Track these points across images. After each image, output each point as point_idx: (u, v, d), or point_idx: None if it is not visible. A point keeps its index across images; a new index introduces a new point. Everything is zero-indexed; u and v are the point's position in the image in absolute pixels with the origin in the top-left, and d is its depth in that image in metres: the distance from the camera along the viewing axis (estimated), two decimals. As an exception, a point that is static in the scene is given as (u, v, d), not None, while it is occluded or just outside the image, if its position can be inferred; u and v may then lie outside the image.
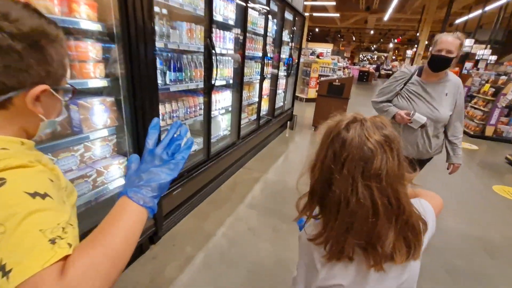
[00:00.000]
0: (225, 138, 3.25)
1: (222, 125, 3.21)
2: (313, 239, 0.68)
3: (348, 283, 0.65)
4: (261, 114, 4.34)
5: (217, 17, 2.54)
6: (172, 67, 2.18)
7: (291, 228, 2.47)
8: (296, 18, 5.01)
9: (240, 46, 2.95)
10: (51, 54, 0.50)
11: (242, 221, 2.54)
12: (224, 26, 2.78)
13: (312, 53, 16.91)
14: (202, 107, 2.58)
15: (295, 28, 5.01)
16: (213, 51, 2.30)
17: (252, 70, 3.69)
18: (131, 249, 0.46)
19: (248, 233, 2.39)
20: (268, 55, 4.15)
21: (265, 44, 3.53)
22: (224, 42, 2.78)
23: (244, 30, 2.88)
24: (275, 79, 4.36)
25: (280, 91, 5.14)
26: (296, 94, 9.62)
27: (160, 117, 2.11)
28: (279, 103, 5.20)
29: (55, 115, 0.57)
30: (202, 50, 2.34)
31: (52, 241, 0.37)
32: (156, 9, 1.92)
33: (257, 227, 2.48)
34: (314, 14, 17.36)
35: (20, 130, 0.52)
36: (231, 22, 2.82)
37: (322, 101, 5.63)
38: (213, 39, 2.36)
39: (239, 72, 3.02)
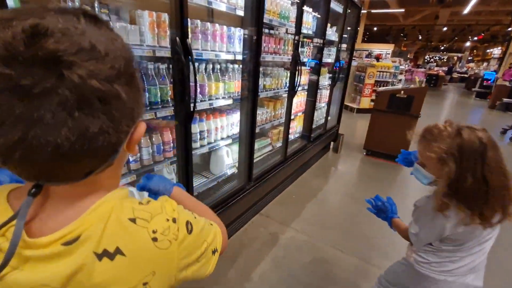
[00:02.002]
0: (231, 178, 2.30)
1: (228, 160, 2.27)
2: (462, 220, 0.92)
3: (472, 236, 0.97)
4: (292, 137, 3.29)
5: None
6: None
7: None
8: (348, 11, 3.82)
9: (252, 46, 1.96)
10: (139, 79, 0.40)
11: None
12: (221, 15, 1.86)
13: (369, 55, 14.96)
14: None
15: (345, 23, 3.83)
16: (189, 57, 1.36)
17: (278, 81, 2.68)
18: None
19: None
20: (307, 59, 3.09)
21: (297, 45, 2.49)
22: (218, 41, 1.84)
23: (258, 23, 1.88)
24: (314, 89, 3.25)
25: (322, 104, 4.00)
26: (346, 103, 8.23)
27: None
28: (319, 120, 4.06)
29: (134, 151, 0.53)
30: (166, 54, 1.42)
31: (210, 224, 0.56)
32: None
33: None
34: (373, 11, 15.34)
35: (114, 182, 0.47)
36: (237, 12, 1.86)
37: (380, 118, 4.29)
38: (188, 35, 1.42)
39: (249, 85, 2.05)
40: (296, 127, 3.44)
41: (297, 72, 2.48)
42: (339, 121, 4.52)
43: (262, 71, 2.59)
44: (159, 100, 1.50)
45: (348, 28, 4.04)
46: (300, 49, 2.97)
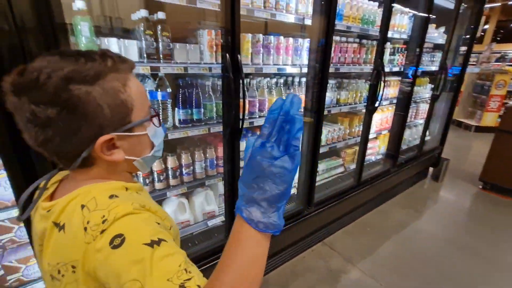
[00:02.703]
0: (289, 200, 2.13)
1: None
2: None
3: None
4: (373, 159, 2.83)
5: None
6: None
7: None
8: (464, 6, 3.04)
9: (318, 59, 1.75)
10: (93, 101, 0.46)
11: None
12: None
13: (501, 58, 11.71)
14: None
15: (458, 22, 3.06)
16: (237, 73, 1.30)
17: (357, 94, 2.35)
18: (258, 277, 0.42)
19: None
20: (398, 67, 2.61)
21: (381, 53, 2.11)
22: (282, 54, 1.72)
23: (327, 32, 1.65)
24: (405, 103, 2.70)
25: (419, 120, 3.30)
26: (459, 119, 6.64)
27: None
28: (413, 140, 3.35)
29: (147, 150, 0.58)
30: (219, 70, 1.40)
31: (182, 287, 0.39)
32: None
33: None
34: (511, 2, 11.96)
35: (124, 175, 0.58)
36: (305, 21, 1.70)
37: (509, 142, 3.19)
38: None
39: (314, 100, 1.84)
40: (379, 147, 2.94)
41: (379, 84, 2.10)
42: (443, 142, 3.62)
43: (336, 84, 2.33)
44: (215, 115, 1.52)
45: (464, 28, 3.20)
46: (389, 57, 2.54)
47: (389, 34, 2.41)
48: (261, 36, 1.57)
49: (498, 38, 18.61)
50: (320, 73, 1.71)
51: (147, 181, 1.42)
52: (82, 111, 0.46)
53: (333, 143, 2.36)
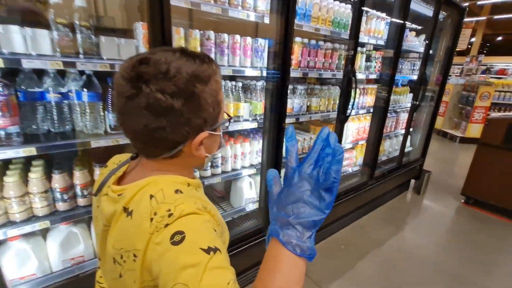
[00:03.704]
0: (250, 216, 1.93)
1: (249, 193, 1.91)
2: None
3: None
4: (350, 171, 2.66)
5: None
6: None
7: None
8: (443, 14, 2.96)
9: (277, 61, 1.58)
10: (206, 99, 0.51)
11: None
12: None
13: (487, 71, 11.94)
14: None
15: (437, 30, 2.98)
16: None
17: (330, 102, 2.19)
18: None
19: None
20: (375, 74, 2.48)
21: (352, 59, 1.95)
22: (239, 55, 1.54)
23: (287, 30, 1.48)
24: (381, 112, 2.55)
25: (399, 130, 3.17)
26: (445, 130, 6.61)
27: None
28: (393, 151, 3.22)
29: (216, 148, 0.61)
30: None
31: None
32: None
33: None
34: (496, 17, 12.27)
35: (191, 170, 0.62)
36: (265, 20, 1.54)
37: (490, 156, 3.09)
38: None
39: (273, 107, 1.66)
40: (356, 158, 2.78)
41: (351, 92, 1.94)
42: (425, 153, 3.50)
43: (307, 90, 2.17)
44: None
45: (447, 38, 3.11)
46: (365, 63, 2.41)
47: (365, 39, 2.29)
48: (212, 33, 1.40)
49: (485, 51, 19.13)
50: (280, 77, 1.54)
51: (66, 196, 1.21)
52: (198, 105, 0.50)
53: (304, 153, 2.19)
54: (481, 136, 3.21)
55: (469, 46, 14.52)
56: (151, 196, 0.48)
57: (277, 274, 0.41)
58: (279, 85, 1.55)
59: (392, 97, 2.98)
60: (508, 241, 2.68)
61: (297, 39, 1.83)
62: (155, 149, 0.53)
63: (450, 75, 11.70)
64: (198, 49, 1.37)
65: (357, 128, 2.64)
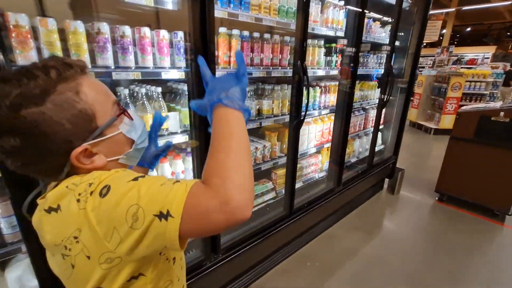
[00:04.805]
0: (190, 246, 1.62)
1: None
2: None
3: None
4: (317, 177, 2.42)
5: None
6: None
7: None
8: (408, 1, 2.76)
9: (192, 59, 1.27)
10: (50, 123, 0.45)
11: None
12: None
13: (457, 61, 12.22)
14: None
15: (401, 20, 2.77)
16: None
17: (283, 103, 1.91)
18: (247, 145, 0.52)
19: None
20: (337, 70, 2.22)
21: (302, 53, 1.67)
22: (150, 53, 1.22)
23: (204, 18, 1.16)
24: (344, 111, 2.31)
25: (370, 129, 2.96)
26: (419, 122, 6.58)
27: None
28: (363, 151, 3.01)
29: (128, 146, 0.58)
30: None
31: (177, 181, 0.45)
32: None
33: None
34: (465, 8, 12.54)
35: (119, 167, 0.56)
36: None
37: (463, 150, 2.94)
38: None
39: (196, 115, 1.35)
40: (322, 163, 2.54)
41: (304, 91, 1.67)
42: (397, 151, 3.32)
43: (258, 91, 1.88)
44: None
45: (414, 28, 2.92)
46: (324, 58, 2.15)
47: (323, 31, 2.02)
48: (104, 25, 1.06)
49: (455, 42, 19.71)
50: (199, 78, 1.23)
51: None
52: (41, 133, 0.45)
53: (257, 164, 1.90)
54: (453, 129, 3.06)
55: (441, 38, 14.85)
56: (67, 186, 0.48)
57: (226, 124, 0.52)
58: (195, 88, 1.24)
59: (360, 93, 2.76)
60: (477, 241, 2.54)
61: (234, 32, 1.53)
62: (47, 178, 0.54)
63: (423, 67, 11.88)
64: (85, 47, 1.03)
65: (321, 130, 2.39)
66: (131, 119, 0.57)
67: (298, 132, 1.79)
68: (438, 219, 2.91)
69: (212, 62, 1.24)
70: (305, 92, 1.65)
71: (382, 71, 2.76)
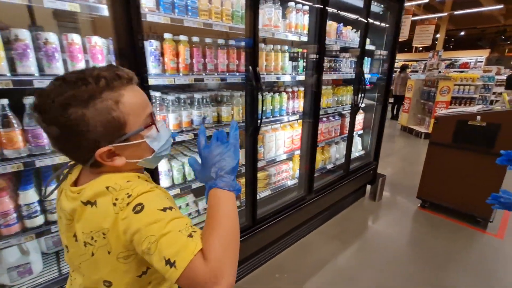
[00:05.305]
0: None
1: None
2: None
3: None
4: (289, 184, 2.35)
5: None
6: None
7: None
8: (380, 6, 2.73)
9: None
10: (87, 121, 0.53)
11: None
12: None
13: (451, 65, 12.23)
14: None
15: (369, 23, 2.75)
16: None
17: (243, 110, 1.86)
18: (237, 224, 0.60)
19: None
20: (302, 76, 2.18)
21: (252, 57, 1.62)
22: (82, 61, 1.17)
23: (132, 25, 1.13)
24: (311, 117, 2.25)
25: (347, 135, 2.90)
26: (410, 127, 6.52)
27: None
28: (341, 158, 2.95)
29: (148, 153, 0.65)
30: None
31: (190, 236, 0.53)
32: None
33: None
34: (457, 12, 12.60)
35: (132, 171, 0.65)
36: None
37: (442, 155, 2.88)
38: None
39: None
40: (294, 170, 2.48)
41: (259, 97, 1.62)
42: (377, 157, 3.26)
43: (217, 97, 1.84)
44: None
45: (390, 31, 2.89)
46: (290, 63, 2.11)
47: (286, 36, 1.99)
48: (24, 32, 1.02)
49: (451, 46, 19.78)
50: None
51: None
52: (78, 131, 0.54)
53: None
54: (432, 134, 3.00)
55: (436, 42, 14.90)
56: (107, 187, 0.57)
57: (221, 206, 0.60)
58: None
59: (335, 98, 2.72)
60: (458, 249, 2.45)
61: (182, 37, 1.49)
62: (74, 160, 0.64)
63: (416, 71, 11.86)
64: (1, 55, 0.99)
65: (290, 136, 2.34)
66: (158, 131, 0.64)
67: (255, 140, 1.74)
68: (418, 226, 2.83)
69: (143, 72, 1.19)
70: (260, 99, 1.60)
71: (370, 76, 2.72)
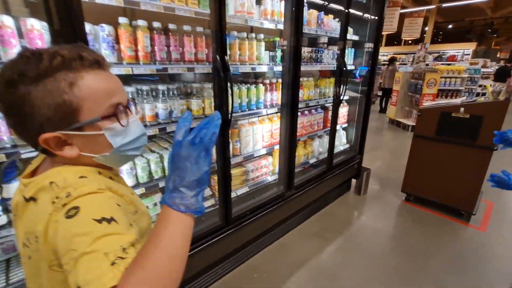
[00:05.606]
0: None
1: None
2: None
3: None
4: (269, 180, 2.26)
5: None
6: None
7: None
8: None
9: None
10: (31, 104, 0.48)
11: None
12: None
13: (439, 58, 12.30)
14: None
15: (350, 12, 2.64)
16: None
17: (212, 102, 1.74)
18: (180, 265, 0.46)
19: None
20: (281, 67, 2.07)
21: (220, 45, 1.50)
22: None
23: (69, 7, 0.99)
24: (290, 110, 2.14)
25: (336, 127, 2.82)
26: (397, 120, 6.52)
27: None
28: (324, 152, 2.87)
29: (107, 149, 0.56)
30: None
31: (113, 263, 0.41)
32: None
33: None
34: (445, 5, 12.63)
35: (93, 165, 0.58)
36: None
37: (426, 149, 2.84)
38: None
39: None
40: (274, 165, 2.39)
41: (227, 89, 1.50)
42: (362, 150, 3.20)
43: (186, 90, 1.72)
44: None
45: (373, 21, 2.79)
46: (266, 53, 2.00)
47: (261, 24, 1.87)
48: None
49: (439, 39, 19.92)
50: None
51: None
52: (22, 110, 0.48)
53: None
54: (416, 127, 2.95)
55: (424, 35, 14.95)
56: (51, 183, 0.50)
57: (165, 234, 0.46)
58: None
59: (317, 90, 2.62)
60: (440, 241, 2.43)
61: (140, 22, 1.35)
62: (28, 144, 0.55)
63: (405, 64, 11.88)
64: None
65: (269, 130, 2.24)
66: (122, 126, 0.55)
67: (226, 134, 1.63)
68: (402, 220, 2.79)
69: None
70: (230, 91, 1.48)
71: (350, 67, 2.62)
